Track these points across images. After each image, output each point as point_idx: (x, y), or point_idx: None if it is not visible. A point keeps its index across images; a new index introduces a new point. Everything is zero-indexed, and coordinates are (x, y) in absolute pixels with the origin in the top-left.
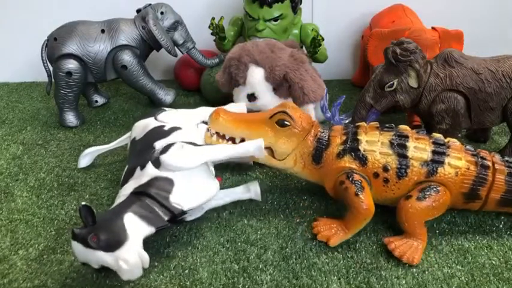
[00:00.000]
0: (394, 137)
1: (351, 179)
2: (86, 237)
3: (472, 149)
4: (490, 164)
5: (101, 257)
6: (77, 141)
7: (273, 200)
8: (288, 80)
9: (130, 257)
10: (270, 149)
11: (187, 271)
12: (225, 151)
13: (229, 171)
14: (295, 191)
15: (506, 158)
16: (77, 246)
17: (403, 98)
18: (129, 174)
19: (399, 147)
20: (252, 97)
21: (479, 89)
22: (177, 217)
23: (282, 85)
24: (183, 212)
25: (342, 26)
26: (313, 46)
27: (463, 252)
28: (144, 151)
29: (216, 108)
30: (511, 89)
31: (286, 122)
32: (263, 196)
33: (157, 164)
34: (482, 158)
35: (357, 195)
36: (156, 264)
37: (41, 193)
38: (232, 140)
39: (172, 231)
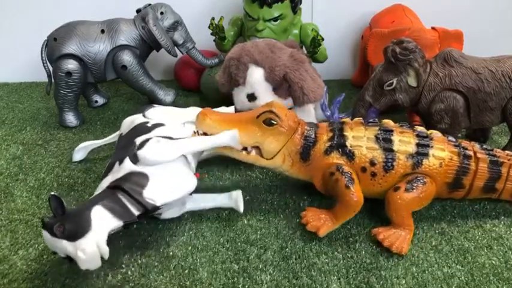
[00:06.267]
0: (379, 132)
1: (341, 170)
2: (53, 226)
3: (454, 140)
4: (472, 153)
5: (64, 246)
6: (77, 141)
7: (273, 200)
8: (288, 80)
9: (88, 247)
10: (258, 149)
11: (187, 271)
12: (201, 143)
13: (229, 172)
14: (295, 191)
15: (485, 146)
16: (46, 235)
17: (402, 97)
18: (109, 169)
19: (385, 142)
20: (251, 97)
21: (478, 88)
22: (150, 212)
23: (281, 85)
24: (156, 207)
25: (342, 26)
26: (313, 46)
27: (463, 252)
28: (125, 146)
29: (203, 109)
30: (510, 89)
31: (273, 121)
32: (246, 206)
33: (134, 159)
34: (464, 148)
35: (347, 187)
36: (156, 264)
37: (41, 193)
38: None
39: (172, 231)
